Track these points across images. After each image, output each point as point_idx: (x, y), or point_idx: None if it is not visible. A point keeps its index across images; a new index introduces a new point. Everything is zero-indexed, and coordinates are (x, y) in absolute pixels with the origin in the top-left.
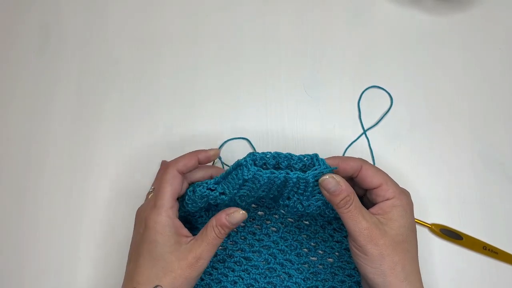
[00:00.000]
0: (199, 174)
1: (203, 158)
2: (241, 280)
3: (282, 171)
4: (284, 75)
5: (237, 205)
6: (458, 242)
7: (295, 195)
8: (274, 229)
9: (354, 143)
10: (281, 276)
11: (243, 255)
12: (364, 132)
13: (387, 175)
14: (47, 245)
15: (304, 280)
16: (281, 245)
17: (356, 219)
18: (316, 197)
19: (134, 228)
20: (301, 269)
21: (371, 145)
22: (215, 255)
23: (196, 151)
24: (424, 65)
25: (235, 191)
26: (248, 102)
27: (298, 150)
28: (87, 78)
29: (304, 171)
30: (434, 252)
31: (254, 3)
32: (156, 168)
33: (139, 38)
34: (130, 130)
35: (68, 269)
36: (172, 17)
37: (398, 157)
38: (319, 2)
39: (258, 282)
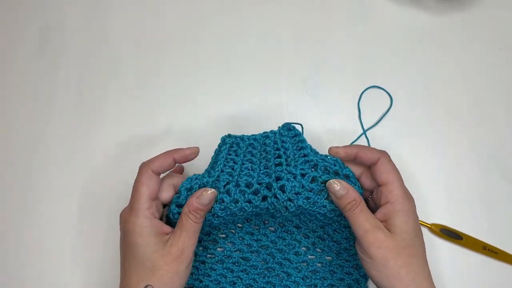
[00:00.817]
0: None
1: (180, 158)
2: (240, 280)
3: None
4: (284, 75)
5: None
6: (458, 242)
7: (283, 171)
8: (272, 229)
9: (354, 142)
10: (280, 276)
11: (241, 255)
12: (364, 132)
13: (399, 176)
14: (47, 246)
15: (303, 279)
16: (279, 245)
17: (361, 221)
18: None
19: (120, 233)
20: (299, 267)
21: (371, 145)
22: (213, 256)
23: (171, 150)
24: (424, 65)
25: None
26: (248, 102)
27: None
28: (87, 78)
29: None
30: (434, 252)
31: (254, 3)
32: None
33: (139, 38)
34: (130, 129)
35: (69, 267)
36: (172, 17)
37: (398, 157)
38: (319, 2)
39: (257, 282)
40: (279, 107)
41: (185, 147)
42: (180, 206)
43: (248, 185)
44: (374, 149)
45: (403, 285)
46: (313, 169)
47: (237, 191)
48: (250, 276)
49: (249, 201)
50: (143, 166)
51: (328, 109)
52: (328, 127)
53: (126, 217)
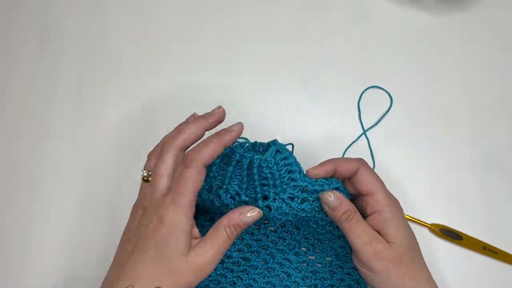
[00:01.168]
0: None
1: (230, 143)
2: (240, 280)
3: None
4: (284, 75)
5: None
6: (458, 242)
7: (270, 192)
8: (272, 229)
9: (354, 143)
10: (280, 276)
11: (241, 255)
12: (364, 132)
13: (381, 183)
14: (45, 246)
15: (303, 279)
16: (280, 245)
17: (358, 233)
18: (293, 187)
19: (134, 214)
20: (299, 268)
21: (371, 145)
22: None
23: (219, 136)
24: (424, 65)
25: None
26: (248, 102)
27: (298, 150)
28: (87, 78)
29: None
30: (434, 252)
31: (254, 3)
32: None
33: (139, 38)
34: (130, 129)
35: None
36: (172, 17)
37: (398, 157)
38: (319, 2)
39: (257, 282)
40: (279, 107)
41: (231, 127)
42: None
43: (238, 194)
44: (351, 159)
45: None
46: (302, 192)
47: (228, 196)
48: (250, 276)
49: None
50: (195, 160)
51: (328, 109)
52: (328, 127)
53: (166, 209)
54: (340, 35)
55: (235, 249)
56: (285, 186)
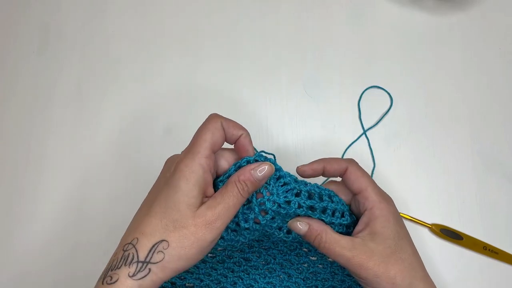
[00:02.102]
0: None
1: (240, 146)
2: (240, 280)
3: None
4: (284, 75)
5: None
6: (458, 242)
7: (265, 202)
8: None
9: (354, 143)
10: (281, 276)
11: (242, 255)
12: (364, 132)
13: (370, 180)
14: (45, 241)
15: (303, 280)
16: (281, 246)
17: (337, 253)
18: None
19: (158, 177)
20: (300, 269)
21: (371, 145)
22: (214, 255)
23: (244, 128)
24: (424, 65)
25: None
26: (248, 102)
27: (298, 150)
28: (87, 78)
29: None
30: (434, 252)
31: (254, 3)
32: (156, 166)
33: (139, 38)
34: (130, 130)
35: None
36: (171, 17)
37: (398, 157)
38: (319, 2)
39: (258, 283)
40: (279, 107)
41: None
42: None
43: (238, 224)
44: (340, 159)
45: None
46: (296, 196)
47: (228, 230)
48: (251, 276)
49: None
50: (214, 116)
51: (328, 109)
52: (328, 127)
53: (181, 159)
54: (340, 35)
55: (236, 249)
56: (278, 192)
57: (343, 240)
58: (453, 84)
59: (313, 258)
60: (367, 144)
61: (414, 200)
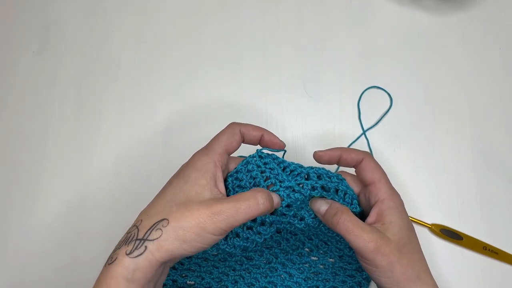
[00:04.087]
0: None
1: (268, 141)
2: (241, 279)
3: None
4: (284, 75)
5: None
6: (458, 242)
7: (279, 189)
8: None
9: (354, 143)
10: (282, 276)
11: (244, 254)
12: (364, 132)
13: (383, 174)
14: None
15: (305, 280)
16: (283, 245)
17: (356, 233)
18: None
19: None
20: (302, 268)
21: (370, 145)
22: (216, 254)
23: (263, 128)
24: (424, 65)
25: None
26: (248, 102)
27: (298, 149)
28: (87, 78)
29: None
30: (434, 252)
31: (254, 2)
32: (156, 166)
33: (139, 38)
34: (130, 130)
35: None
36: (172, 16)
37: (398, 157)
38: (319, 2)
39: (259, 282)
40: (279, 107)
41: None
42: None
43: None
44: (358, 150)
45: (411, 283)
46: (306, 179)
47: (244, 227)
48: (252, 275)
49: (259, 233)
50: (232, 123)
51: (328, 109)
52: (328, 127)
53: (196, 153)
54: (340, 35)
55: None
56: (289, 178)
57: (362, 223)
58: (453, 84)
59: (315, 258)
60: (367, 144)
61: (414, 200)
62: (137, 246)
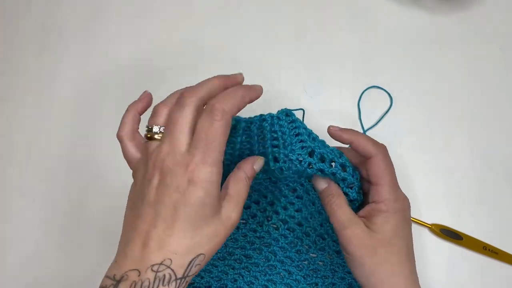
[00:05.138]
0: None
1: (253, 99)
2: (241, 278)
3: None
4: (284, 75)
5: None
6: (458, 242)
7: (281, 153)
8: (274, 226)
9: None
10: (281, 274)
11: (243, 252)
12: (364, 132)
13: (390, 179)
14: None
15: (304, 277)
16: (282, 243)
17: (338, 216)
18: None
19: (141, 181)
20: (301, 266)
21: None
22: (216, 252)
23: (247, 89)
24: (424, 65)
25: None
26: None
27: None
28: (87, 78)
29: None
30: (434, 252)
31: (254, 2)
32: None
33: (139, 38)
34: None
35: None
36: (171, 17)
37: (398, 157)
38: (319, 2)
39: (258, 280)
40: (279, 107)
41: (254, 85)
42: None
43: None
44: (371, 143)
45: (379, 282)
46: (309, 156)
47: None
48: (252, 274)
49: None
50: (225, 112)
51: (328, 109)
52: (328, 124)
53: (196, 168)
54: (340, 35)
55: (237, 246)
56: (294, 148)
57: (350, 210)
58: (453, 84)
59: (313, 255)
60: None
61: (414, 200)
62: (179, 284)
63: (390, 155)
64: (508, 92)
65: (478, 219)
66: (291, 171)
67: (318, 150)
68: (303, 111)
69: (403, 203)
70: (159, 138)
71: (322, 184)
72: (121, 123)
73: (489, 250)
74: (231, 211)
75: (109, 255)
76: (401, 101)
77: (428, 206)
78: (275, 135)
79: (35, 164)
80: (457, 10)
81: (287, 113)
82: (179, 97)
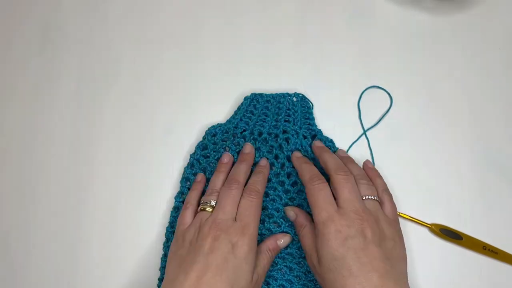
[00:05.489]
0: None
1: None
2: None
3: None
4: (284, 75)
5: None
6: (458, 242)
7: (290, 127)
8: (275, 224)
9: (355, 143)
10: (283, 270)
11: None
12: (364, 132)
13: (325, 198)
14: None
15: (305, 274)
16: (289, 263)
17: (303, 244)
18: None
19: (189, 239)
20: (302, 262)
21: (371, 146)
22: None
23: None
24: (424, 65)
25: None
26: None
27: None
28: (87, 78)
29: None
30: (434, 252)
31: (254, 2)
32: (156, 166)
33: (139, 38)
34: (130, 130)
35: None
36: (172, 16)
37: (398, 156)
38: (319, 2)
39: None
40: None
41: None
42: (205, 148)
43: (260, 134)
44: (329, 163)
45: None
46: (312, 138)
47: (251, 138)
48: None
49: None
50: (260, 193)
51: (328, 109)
52: (328, 127)
53: (241, 239)
54: (340, 35)
55: None
56: (302, 126)
57: (312, 241)
58: (453, 84)
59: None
60: (367, 144)
61: (414, 200)
62: None
63: (390, 154)
64: (508, 92)
65: (478, 219)
66: (295, 145)
67: (319, 136)
68: (312, 104)
69: (330, 226)
70: (209, 210)
71: (292, 216)
72: (189, 196)
73: (489, 250)
74: (257, 278)
75: (109, 255)
76: (401, 101)
77: (428, 206)
78: (289, 112)
79: (35, 164)
80: (457, 10)
81: (302, 97)
82: (230, 182)
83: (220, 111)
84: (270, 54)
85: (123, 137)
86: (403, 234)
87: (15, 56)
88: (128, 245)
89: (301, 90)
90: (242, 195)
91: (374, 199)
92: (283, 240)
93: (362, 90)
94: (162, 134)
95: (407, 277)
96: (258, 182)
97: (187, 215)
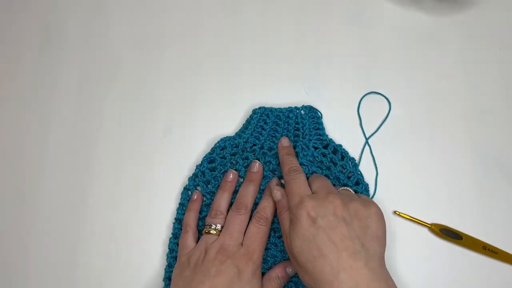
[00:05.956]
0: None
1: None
2: None
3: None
4: (284, 77)
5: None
6: (458, 242)
7: (299, 141)
8: (281, 252)
9: (356, 150)
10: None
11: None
12: (367, 140)
13: (300, 185)
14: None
15: None
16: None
17: (282, 225)
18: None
19: (196, 261)
20: None
21: (372, 151)
22: None
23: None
24: (424, 66)
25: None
26: (248, 102)
27: None
28: (87, 78)
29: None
30: (434, 252)
31: (254, 3)
32: (156, 166)
33: (140, 38)
34: (130, 129)
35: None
36: (172, 17)
37: (398, 156)
38: (319, 2)
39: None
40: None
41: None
42: (212, 162)
43: (270, 149)
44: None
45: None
46: (323, 147)
47: (261, 152)
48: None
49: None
50: (268, 220)
51: (328, 110)
52: (327, 126)
53: (246, 265)
54: (340, 35)
55: None
56: (311, 138)
57: (287, 223)
58: (453, 84)
59: None
60: (369, 150)
61: (414, 200)
62: None
63: (390, 154)
64: (508, 92)
65: (478, 219)
66: (306, 158)
67: (332, 144)
68: (321, 113)
69: (300, 220)
70: (214, 233)
71: (278, 195)
72: (187, 217)
73: (489, 250)
74: None
75: (108, 254)
76: (400, 102)
77: (428, 206)
78: (298, 126)
79: (35, 164)
80: (456, 10)
81: (310, 109)
82: (238, 206)
83: (220, 111)
84: (270, 57)
85: (123, 136)
86: (402, 234)
87: (15, 56)
88: (128, 245)
89: (301, 90)
90: (251, 220)
91: (347, 189)
92: (291, 270)
93: (362, 94)
94: (162, 134)
95: (383, 258)
96: (268, 208)
97: (189, 238)
